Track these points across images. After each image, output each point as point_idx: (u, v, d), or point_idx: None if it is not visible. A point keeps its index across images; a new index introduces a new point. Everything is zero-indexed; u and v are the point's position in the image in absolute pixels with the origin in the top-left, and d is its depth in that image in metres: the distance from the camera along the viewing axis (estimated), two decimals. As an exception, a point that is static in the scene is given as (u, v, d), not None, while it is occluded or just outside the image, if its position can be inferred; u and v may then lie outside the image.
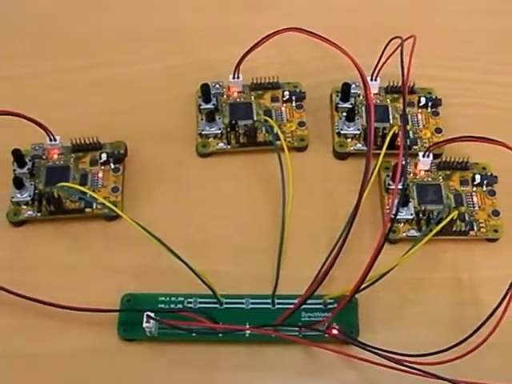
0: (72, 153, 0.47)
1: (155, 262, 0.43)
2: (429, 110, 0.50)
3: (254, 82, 0.50)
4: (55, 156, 0.47)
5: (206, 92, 0.49)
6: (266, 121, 0.47)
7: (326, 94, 0.51)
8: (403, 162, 0.38)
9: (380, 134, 0.47)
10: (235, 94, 0.50)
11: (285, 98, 0.50)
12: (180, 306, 0.42)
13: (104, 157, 0.47)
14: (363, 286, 0.37)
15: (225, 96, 0.50)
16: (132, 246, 0.44)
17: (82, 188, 0.43)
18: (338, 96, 0.50)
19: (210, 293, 0.41)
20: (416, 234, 0.44)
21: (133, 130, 0.49)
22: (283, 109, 0.50)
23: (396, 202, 0.41)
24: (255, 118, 0.49)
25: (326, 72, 0.52)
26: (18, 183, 0.45)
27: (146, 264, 0.44)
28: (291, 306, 0.40)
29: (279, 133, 0.46)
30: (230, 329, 0.41)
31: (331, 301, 0.42)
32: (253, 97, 0.50)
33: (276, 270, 0.43)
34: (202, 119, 0.49)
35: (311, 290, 0.39)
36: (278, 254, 0.43)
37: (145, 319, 0.39)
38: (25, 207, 0.45)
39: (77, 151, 0.47)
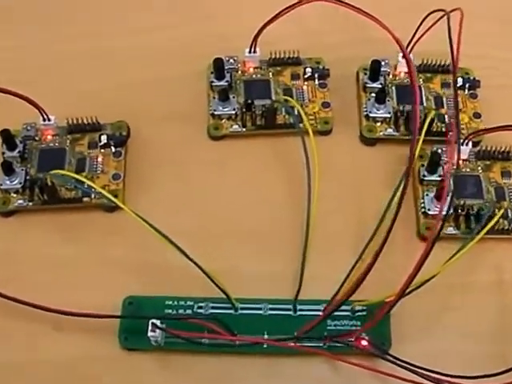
0: (68, 134, 0.46)
1: (161, 259, 0.41)
2: (466, 92, 0.47)
3: (273, 57, 0.48)
4: (49, 137, 0.45)
5: (219, 67, 0.46)
6: (286, 101, 0.45)
7: (351, 72, 0.49)
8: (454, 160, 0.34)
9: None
10: (251, 69, 0.48)
11: (306, 76, 0.47)
12: (189, 311, 0.39)
13: (104, 139, 0.45)
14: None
15: (239, 72, 0.48)
16: (135, 239, 0.42)
17: (78, 176, 0.40)
18: (365, 74, 0.47)
19: (223, 296, 0.38)
20: (454, 232, 0.41)
21: (136, 108, 0.47)
22: (305, 87, 0.47)
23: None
24: (273, 98, 0.46)
25: (351, 47, 0.50)
26: (8, 168, 0.43)
27: (150, 261, 0.42)
28: (314, 313, 0.38)
29: (302, 114, 0.44)
30: (247, 341, 0.37)
31: (360, 308, 0.38)
32: (271, 73, 0.48)
33: (300, 272, 0.40)
34: (214, 98, 0.46)
35: (342, 298, 0.36)
36: (302, 253, 0.40)
37: (150, 328, 0.37)
38: (15, 195, 0.44)
39: (73, 132, 0.46)
